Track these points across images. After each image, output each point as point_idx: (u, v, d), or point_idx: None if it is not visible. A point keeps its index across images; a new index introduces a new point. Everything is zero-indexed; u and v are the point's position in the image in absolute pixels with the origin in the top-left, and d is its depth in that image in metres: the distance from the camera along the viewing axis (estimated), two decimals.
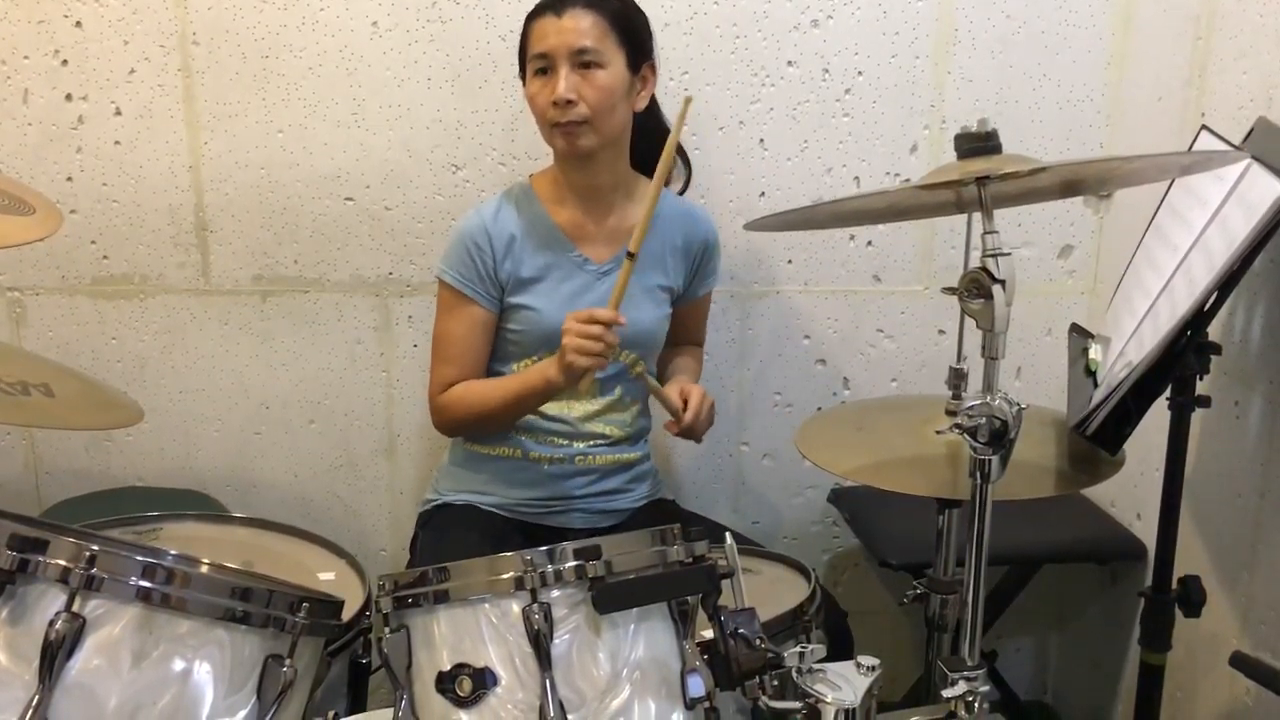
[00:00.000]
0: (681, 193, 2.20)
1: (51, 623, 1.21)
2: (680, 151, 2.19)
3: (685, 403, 1.98)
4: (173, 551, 1.44)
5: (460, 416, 2.05)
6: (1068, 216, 2.40)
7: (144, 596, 1.24)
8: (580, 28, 1.90)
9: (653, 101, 2.06)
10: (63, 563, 1.23)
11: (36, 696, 1.19)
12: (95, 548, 1.24)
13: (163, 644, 1.25)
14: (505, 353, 2.06)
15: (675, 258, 2.11)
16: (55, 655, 1.20)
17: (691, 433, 2.00)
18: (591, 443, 2.09)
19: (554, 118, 1.92)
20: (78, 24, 2.24)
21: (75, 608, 1.22)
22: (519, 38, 1.99)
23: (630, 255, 1.84)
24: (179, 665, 1.26)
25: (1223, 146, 1.75)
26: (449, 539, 2.02)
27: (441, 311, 2.06)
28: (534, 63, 1.94)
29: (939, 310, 2.42)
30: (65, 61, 2.26)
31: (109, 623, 1.24)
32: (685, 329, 2.21)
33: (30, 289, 2.36)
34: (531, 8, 1.97)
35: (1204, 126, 1.85)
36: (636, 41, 1.97)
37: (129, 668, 1.23)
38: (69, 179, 2.31)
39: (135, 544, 1.57)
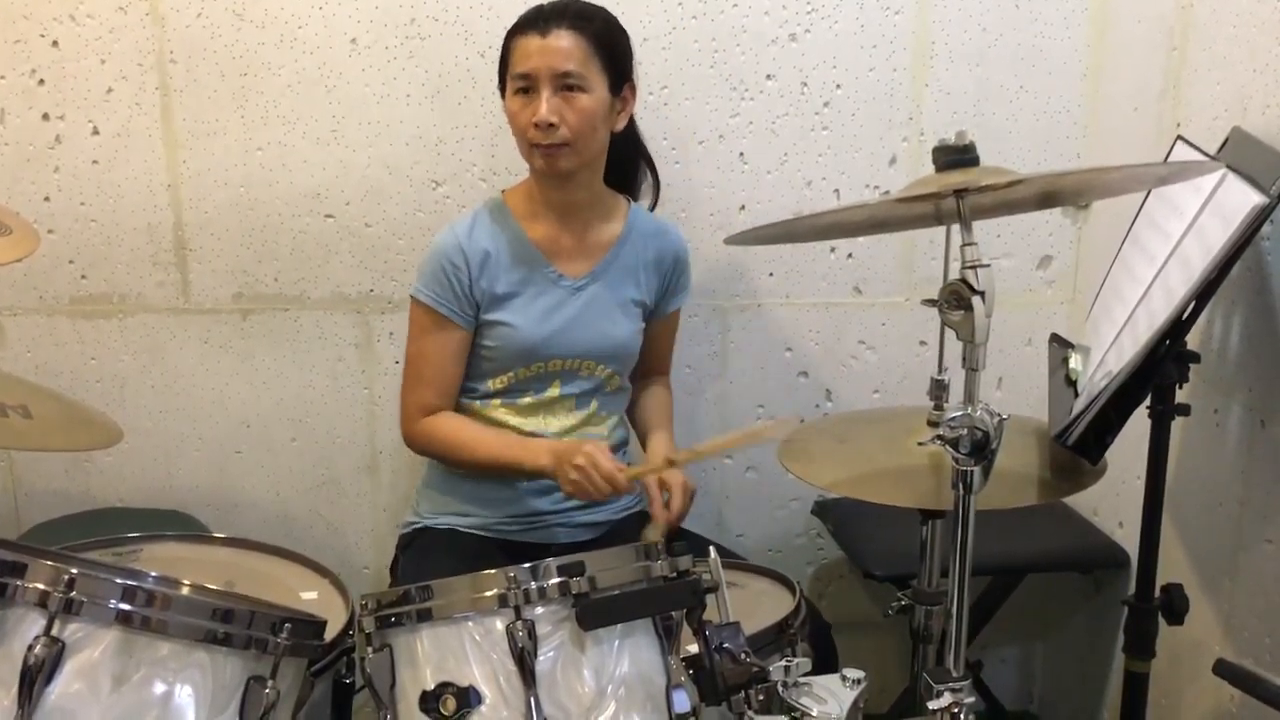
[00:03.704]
0: (651, 208, 2.20)
1: (30, 647, 1.20)
2: (650, 166, 2.19)
3: (666, 490, 1.94)
4: (153, 573, 1.43)
5: (437, 451, 2.07)
6: (1046, 227, 2.42)
7: (124, 619, 1.24)
8: (564, 49, 1.89)
9: (630, 118, 2.06)
10: (41, 586, 1.22)
11: None
12: (74, 570, 1.23)
13: (143, 667, 1.24)
14: (480, 370, 2.05)
15: (648, 272, 2.11)
16: (34, 680, 1.19)
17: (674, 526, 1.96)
18: None
19: (534, 139, 1.92)
20: (54, 43, 2.24)
21: (54, 631, 1.21)
22: (500, 51, 1.99)
23: (671, 463, 1.92)
24: (160, 688, 1.25)
25: (1198, 157, 1.77)
26: (429, 563, 2.00)
27: (416, 332, 2.04)
28: (515, 81, 1.94)
29: (920, 322, 2.43)
30: (42, 81, 2.25)
31: (88, 646, 1.23)
32: (653, 351, 2.19)
33: (8, 309, 2.35)
34: (514, 23, 1.96)
35: (1179, 137, 1.86)
36: (618, 63, 1.96)
37: (109, 691, 1.23)
38: (46, 199, 2.30)
39: (115, 566, 1.57)
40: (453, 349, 2.02)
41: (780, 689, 1.34)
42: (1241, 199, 1.56)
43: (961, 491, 1.39)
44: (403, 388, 2.07)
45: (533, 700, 1.26)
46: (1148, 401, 1.68)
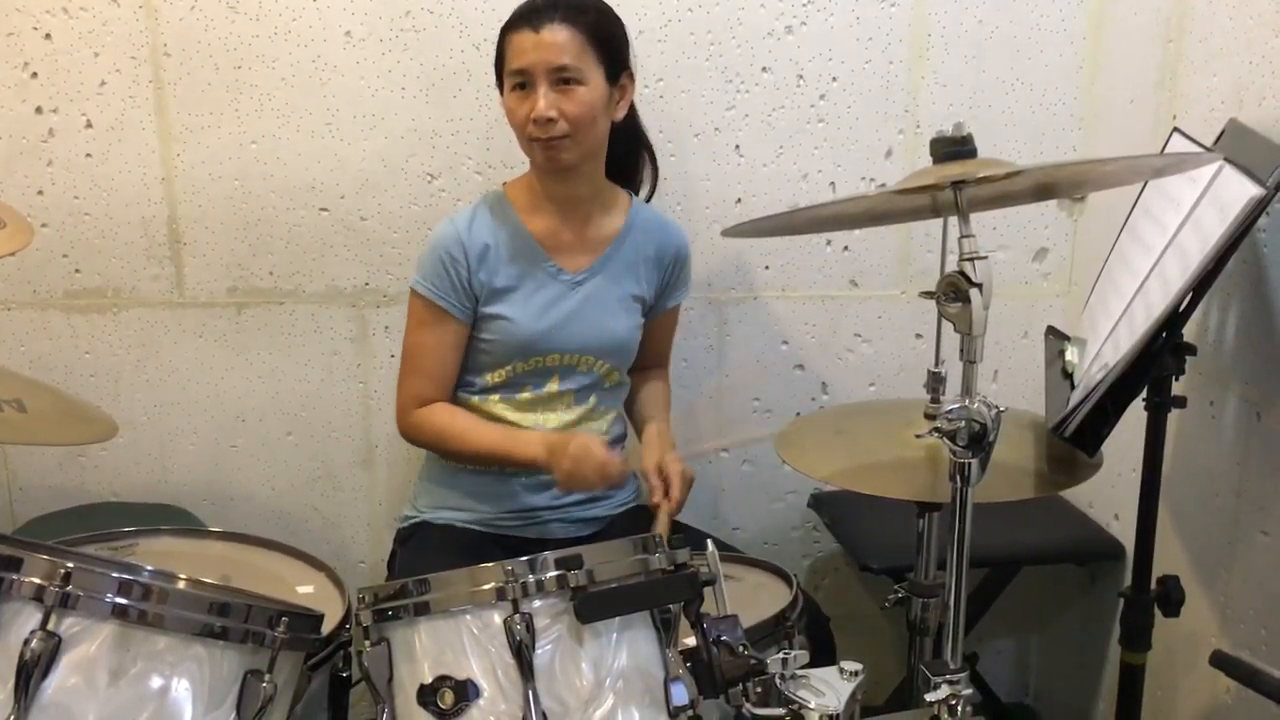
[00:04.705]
0: (648, 199, 2.20)
1: (26, 641, 1.20)
2: (650, 155, 2.18)
3: (665, 480, 1.92)
4: (149, 567, 1.43)
5: (431, 440, 2.06)
6: (1042, 220, 2.42)
7: (120, 613, 1.23)
8: (558, 43, 1.87)
9: (630, 107, 2.05)
10: (37, 580, 1.22)
11: (12, 716, 1.18)
12: (70, 565, 1.23)
13: (140, 661, 1.24)
14: (478, 363, 2.05)
15: (647, 267, 2.10)
16: (31, 674, 1.19)
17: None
18: None
19: (534, 134, 1.91)
20: (47, 36, 2.22)
21: (50, 626, 1.21)
22: (495, 48, 1.98)
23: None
24: (157, 682, 1.25)
25: (1195, 148, 1.77)
26: (426, 558, 2.00)
27: (413, 324, 2.04)
28: (511, 78, 1.93)
29: (916, 314, 2.43)
30: (35, 74, 2.24)
31: (85, 640, 1.23)
32: (651, 346, 2.19)
33: (1, 303, 2.34)
34: (507, 19, 1.95)
35: (1176, 129, 1.86)
36: (615, 53, 1.95)
37: (106, 686, 1.22)
38: (40, 192, 2.29)
39: (111, 560, 1.56)
40: (450, 342, 2.02)
41: (778, 681, 1.34)
42: (1238, 190, 1.56)
43: (959, 484, 1.39)
44: (399, 379, 2.07)
45: (531, 693, 1.26)
46: (1144, 394, 1.68)
